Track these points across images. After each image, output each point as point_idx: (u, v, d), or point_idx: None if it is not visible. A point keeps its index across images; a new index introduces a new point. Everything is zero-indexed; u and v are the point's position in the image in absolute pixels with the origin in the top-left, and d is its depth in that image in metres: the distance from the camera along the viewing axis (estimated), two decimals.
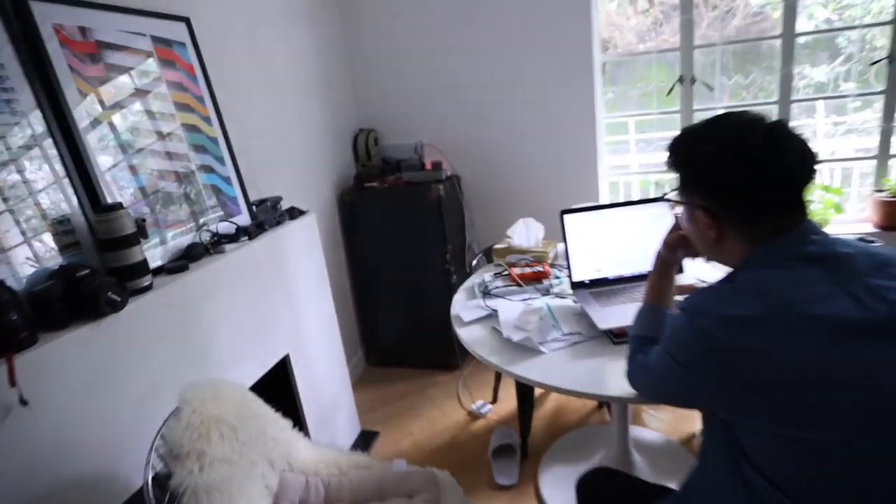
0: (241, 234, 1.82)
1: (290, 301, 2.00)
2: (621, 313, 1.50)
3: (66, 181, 1.34)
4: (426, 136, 3.08)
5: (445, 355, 3.00)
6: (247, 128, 2.17)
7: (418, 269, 2.86)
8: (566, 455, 2.20)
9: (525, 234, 2.16)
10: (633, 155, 4.05)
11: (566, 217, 1.76)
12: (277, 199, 2.15)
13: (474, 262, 2.46)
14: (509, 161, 3.02)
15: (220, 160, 1.90)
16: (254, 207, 2.01)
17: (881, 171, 2.64)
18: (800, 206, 0.92)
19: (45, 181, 1.31)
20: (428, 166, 3.02)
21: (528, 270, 1.92)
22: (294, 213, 2.13)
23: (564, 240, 1.76)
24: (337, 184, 2.90)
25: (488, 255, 2.37)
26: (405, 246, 2.83)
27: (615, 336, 1.45)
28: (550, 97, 2.85)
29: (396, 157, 3.12)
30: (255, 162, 2.20)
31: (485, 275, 2.05)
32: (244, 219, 1.94)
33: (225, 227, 1.81)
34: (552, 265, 2.01)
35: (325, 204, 2.78)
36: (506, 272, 1.98)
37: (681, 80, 2.73)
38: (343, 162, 2.99)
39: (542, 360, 1.42)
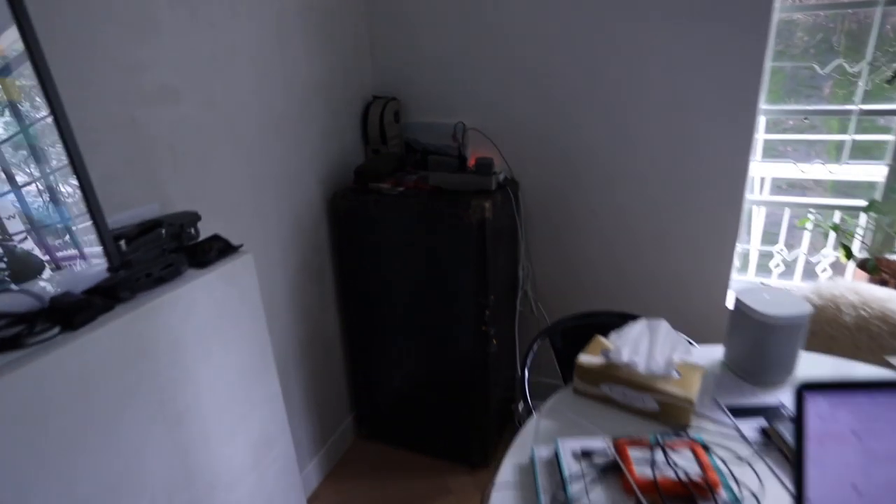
0: (54, 318, 0.85)
1: (178, 431, 1.04)
2: None
3: None
4: (472, 118, 2.02)
5: (468, 446, 2.02)
6: (136, 84, 1.18)
7: (442, 317, 1.86)
8: None
9: (646, 347, 1.12)
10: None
11: (810, 399, 0.71)
12: (187, 220, 1.17)
13: (526, 388, 1.43)
14: (607, 189, 1.95)
15: (34, 153, 0.92)
16: (122, 244, 1.03)
17: None
18: None
19: None
20: (470, 162, 1.97)
21: (662, 459, 0.89)
22: (211, 248, 1.15)
23: (799, 450, 0.72)
24: (329, 178, 1.89)
25: (564, 361, 1.35)
26: (425, 283, 1.83)
27: None
28: (692, 128, 1.74)
29: (424, 141, 2.08)
30: (157, 147, 1.22)
31: (560, 450, 0.99)
32: (94, 270, 0.97)
33: (17, 303, 0.84)
34: (706, 447, 0.96)
35: (305, 209, 1.79)
36: (608, 450, 0.95)
37: None
38: (343, 144, 1.97)
39: None
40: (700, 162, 1.82)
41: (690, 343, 1.35)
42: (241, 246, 1.19)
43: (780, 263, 2.11)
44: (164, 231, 1.12)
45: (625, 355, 1.06)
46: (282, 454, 1.35)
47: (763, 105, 1.78)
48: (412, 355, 1.97)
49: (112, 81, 1.11)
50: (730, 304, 1.98)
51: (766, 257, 2.12)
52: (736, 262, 1.94)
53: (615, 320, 1.49)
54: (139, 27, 1.15)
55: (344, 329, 2.08)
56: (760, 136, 1.92)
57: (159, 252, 1.10)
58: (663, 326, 1.16)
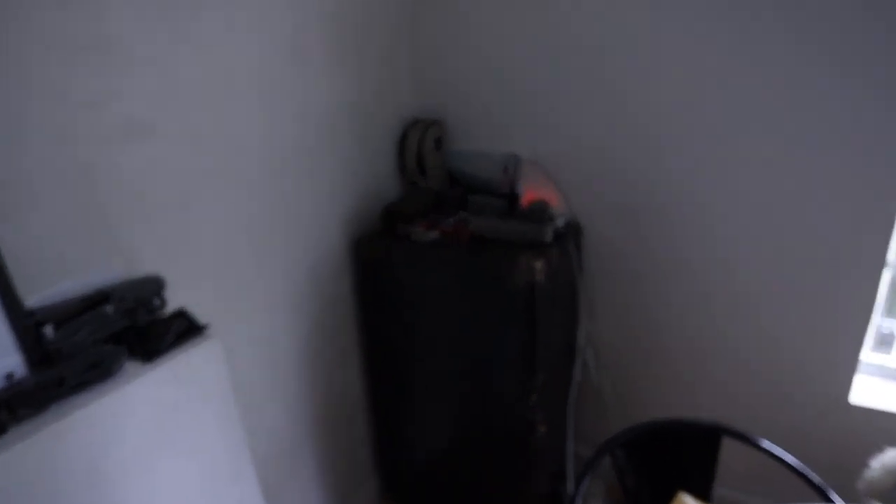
0: None
1: None
2: None
3: None
4: (529, 147, 1.69)
5: None
6: (94, 120, 0.95)
7: (479, 390, 1.54)
8: None
9: None
10: None
11: None
12: (147, 290, 0.92)
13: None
14: (698, 245, 1.55)
15: None
16: (49, 329, 0.80)
17: None
18: None
19: None
20: (524, 199, 1.64)
21: None
22: (167, 331, 0.89)
23: None
24: (356, 218, 1.62)
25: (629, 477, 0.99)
26: (461, 347, 1.51)
27: None
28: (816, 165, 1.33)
29: (470, 172, 1.77)
30: (121, 194, 0.98)
31: None
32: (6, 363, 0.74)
33: None
34: None
35: (325, 257, 1.52)
36: None
37: None
38: (376, 176, 1.69)
39: None
40: (831, 205, 1.39)
41: None
42: (205, 327, 0.93)
43: None
44: (111, 307, 0.88)
45: None
46: None
47: None
48: (444, 426, 1.66)
49: (58, 117, 0.88)
50: (855, 397, 1.53)
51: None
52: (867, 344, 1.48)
53: (697, 434, 1.11)
54: (98, 49, 0.92)
55: (367, 390, 1.80)
56: None
57: (104, 336, 0.86)
58: None
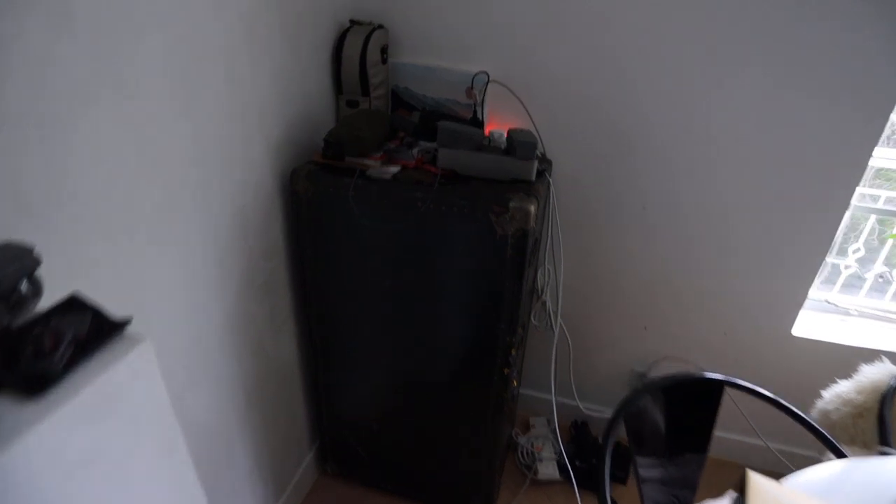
0: None
1: None
2: None
3: None
4: (493, 65, 1.42)
5: (468, 495, 1.58)
6: None
7: (446, 346, 1.35)
8: None
9: None
10: None
11: None
12: (6, 271, 0.56)
13: None
14: (666, 178, 1.43)
15: None
16: None
17: None
18: None
19: None
20: (487, 128, 1.40)
21: None
22: (59, 340, 0.55)
23: None
24: (286, 145, 1.27)
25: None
26: (426, 306, 1.29)
27: None
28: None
29: (421, 93, 1.48)
30: None
31: None
32: None
33: None
34: None
35: (250, 196, 1.16)
36: None
37: None
38: (305, 94, 1.32)
39: None
40: (804, 142, 1.34)
41: None
42: (124, 323, 0.60)
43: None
44: None
45: None
46: None
47: None
48: (396, 394, 1.46)
49: None
50: (798, 329, 1.59)
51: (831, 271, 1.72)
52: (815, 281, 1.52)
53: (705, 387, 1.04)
54: None
55: (304, 339, 1.51)
56: None
57: None
58: None
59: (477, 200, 1.12)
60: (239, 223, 1.13)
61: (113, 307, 0.62)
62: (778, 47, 1.24)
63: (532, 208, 1.10)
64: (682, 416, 1.09)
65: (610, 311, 1.73)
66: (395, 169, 1.22)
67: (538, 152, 1.20)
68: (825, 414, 1.33)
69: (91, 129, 0.75)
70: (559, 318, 1.69)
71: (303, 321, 1.47)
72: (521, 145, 1.15)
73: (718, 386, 1.08)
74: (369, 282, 1.30)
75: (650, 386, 1.07)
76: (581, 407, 1.88)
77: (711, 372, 1.09)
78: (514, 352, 1.28)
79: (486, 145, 1.21)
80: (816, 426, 1.04)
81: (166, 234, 0.93)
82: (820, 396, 1.30)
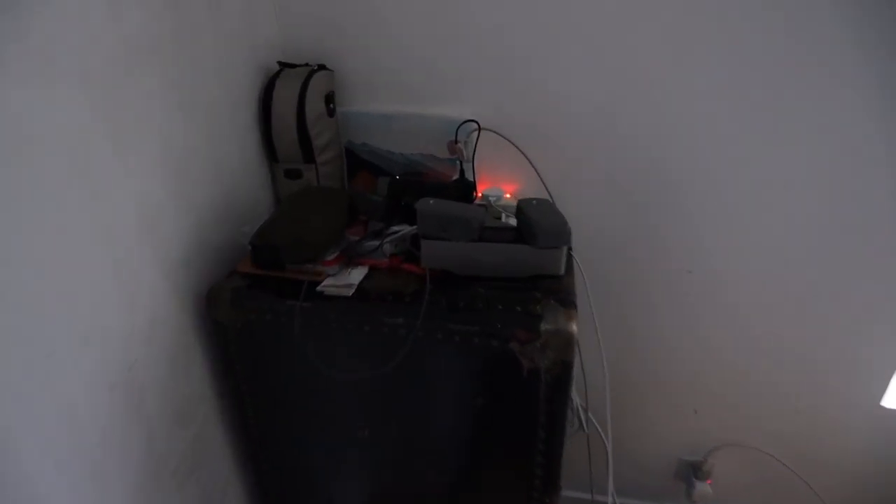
0: None
1: None
2: None
3: None
4: (483, 108, 1.05)
5: None
6: None
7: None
8: None
9: None
10: None
11: None
12: None
13: None
14: (698, 250, 1.09)
15: None
16: None
17: None
18: None
19: None
20: (479, 186, 1.02)
21: None
22: None
23: None
24: (195, 256, 0.86)
25: None
26: (407, 445, 0.90)
27: None
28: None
29: (384, 149, 1.11)
30: None
31: None
32: None
33: None
34: None
35: (150, 334, 0.76)
36: None
37: None
38: (223, 167, 0.92)
39: None
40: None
41: None
42: None
43: None
44: None
45: None
46: None
47: None
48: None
49: None
50: (890, 400, 1.25)
51: None
52: None
53: None
54: None
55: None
56: None
57: None
58: None
59: (488, 322, 0.74)
60: (122, 390, 0.72)
61: None
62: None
63: (574, 327, 0.73)
64: None
65: (651, 396, 1.37)
66: (359, 275, 0.83)
67: (566, 234, 0.82)
68: None
69: None
70: (588, 414, 1.32)
71: (252, 482, 1.05)
72: (543, 233, 0.78)
73: None
74: (339, 430, 0.91)
75: None
76: None
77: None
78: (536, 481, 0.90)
79: (489, 228, 0.83)
80: None
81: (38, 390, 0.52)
82: None
